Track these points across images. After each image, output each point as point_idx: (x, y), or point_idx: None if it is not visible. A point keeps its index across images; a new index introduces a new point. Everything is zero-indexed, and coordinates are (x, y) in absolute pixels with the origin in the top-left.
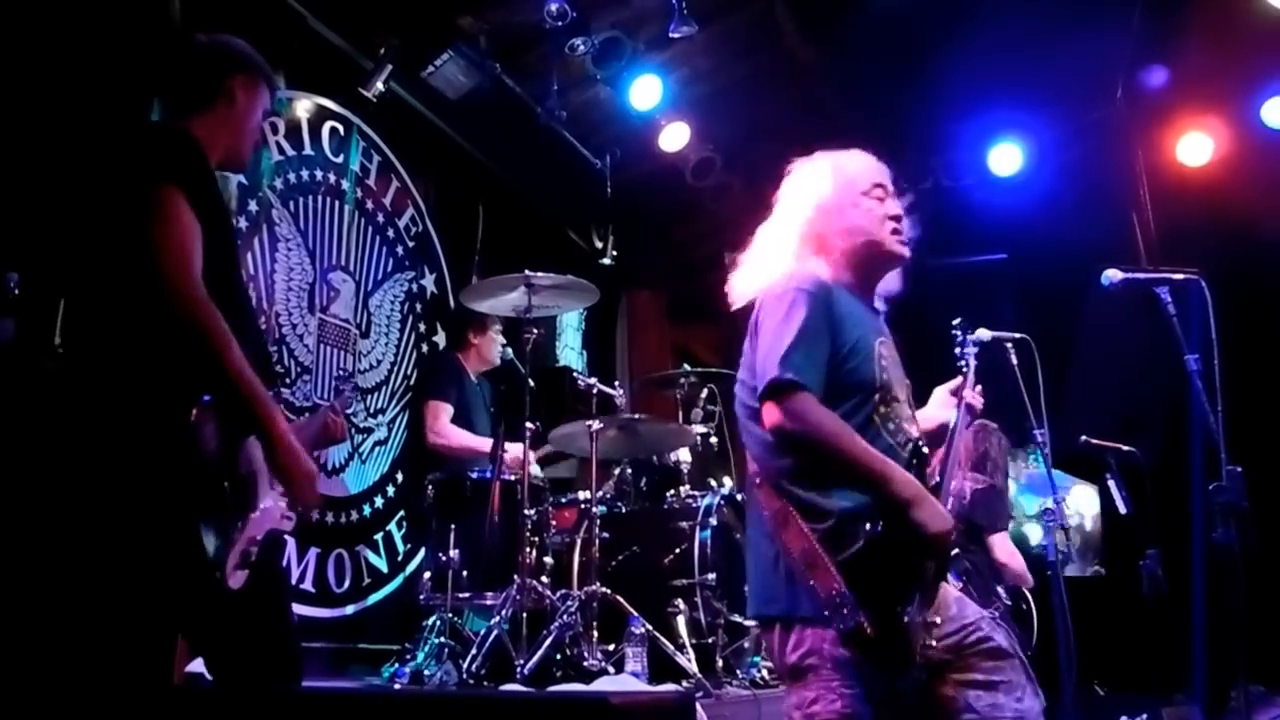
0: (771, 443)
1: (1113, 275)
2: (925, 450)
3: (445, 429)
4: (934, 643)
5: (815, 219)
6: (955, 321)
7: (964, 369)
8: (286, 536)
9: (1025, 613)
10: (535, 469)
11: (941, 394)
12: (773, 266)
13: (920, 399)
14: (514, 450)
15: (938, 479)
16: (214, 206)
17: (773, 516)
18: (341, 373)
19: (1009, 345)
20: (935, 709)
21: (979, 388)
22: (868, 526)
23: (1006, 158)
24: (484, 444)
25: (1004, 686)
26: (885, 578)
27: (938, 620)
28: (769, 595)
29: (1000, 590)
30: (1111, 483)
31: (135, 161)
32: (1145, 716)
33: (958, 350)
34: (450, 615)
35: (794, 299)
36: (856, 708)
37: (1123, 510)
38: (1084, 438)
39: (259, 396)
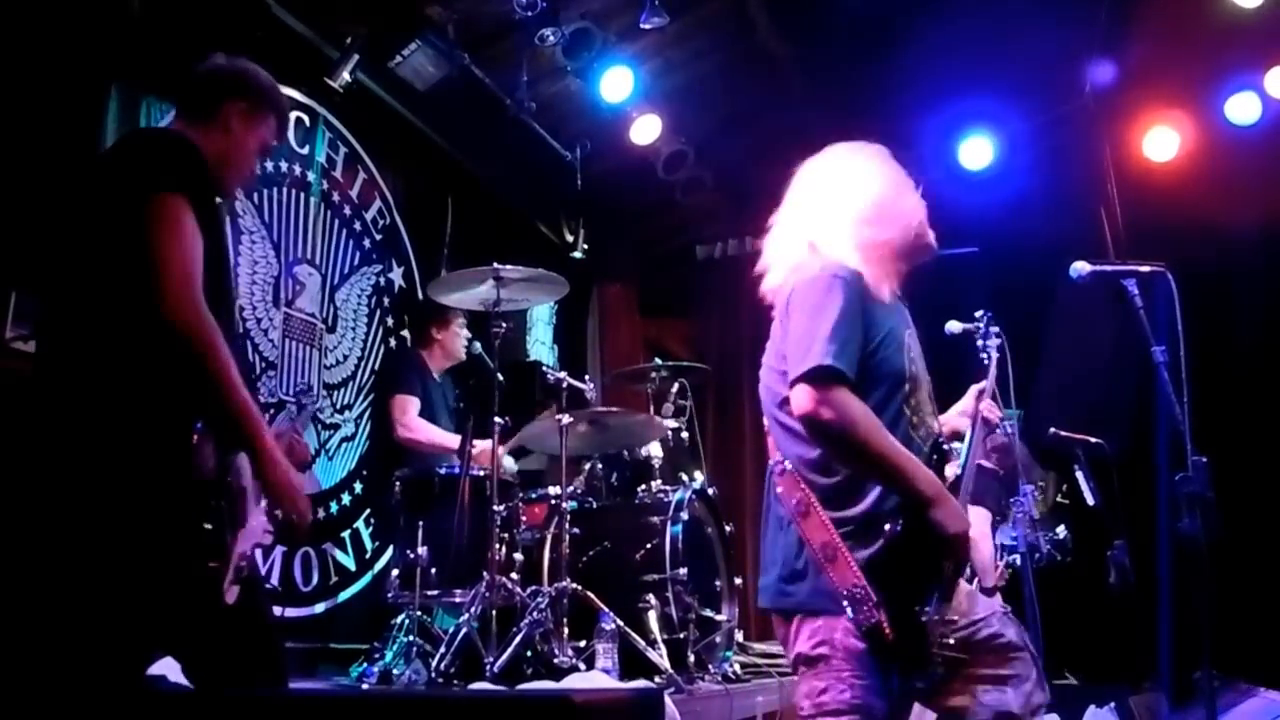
0: (799, 431)
1: (1081, 268)
2: (946, 447)
3: (414, 422)
4: (950, 640)
5: (872, 216)
6: (978, 313)
7: (985, 361)
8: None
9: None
10: (509, 462)
11: (970, 395)
12: (811, 255)
13: None
14: (483, 447)
15: (954, 480)
16: (214, 219)
17: (795, 506)
18: (301, 386)
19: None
20: (945, 705)
21: (990, 403)
22: (887, 526)
23: (977, 152)
24: (453, 440)
25: (1013, 681)
26: (905, 577)
27: (955, 618)
28: (786, 587)
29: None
30: (1080, 474)
31: (141, 166)
32: (1113, 705)
33: (980, 342)
34: (419, 613)
35: (830, 285)
36: (867, 699)
37: (1090, 501)
38: (1053, 429)
39: (252, 415)
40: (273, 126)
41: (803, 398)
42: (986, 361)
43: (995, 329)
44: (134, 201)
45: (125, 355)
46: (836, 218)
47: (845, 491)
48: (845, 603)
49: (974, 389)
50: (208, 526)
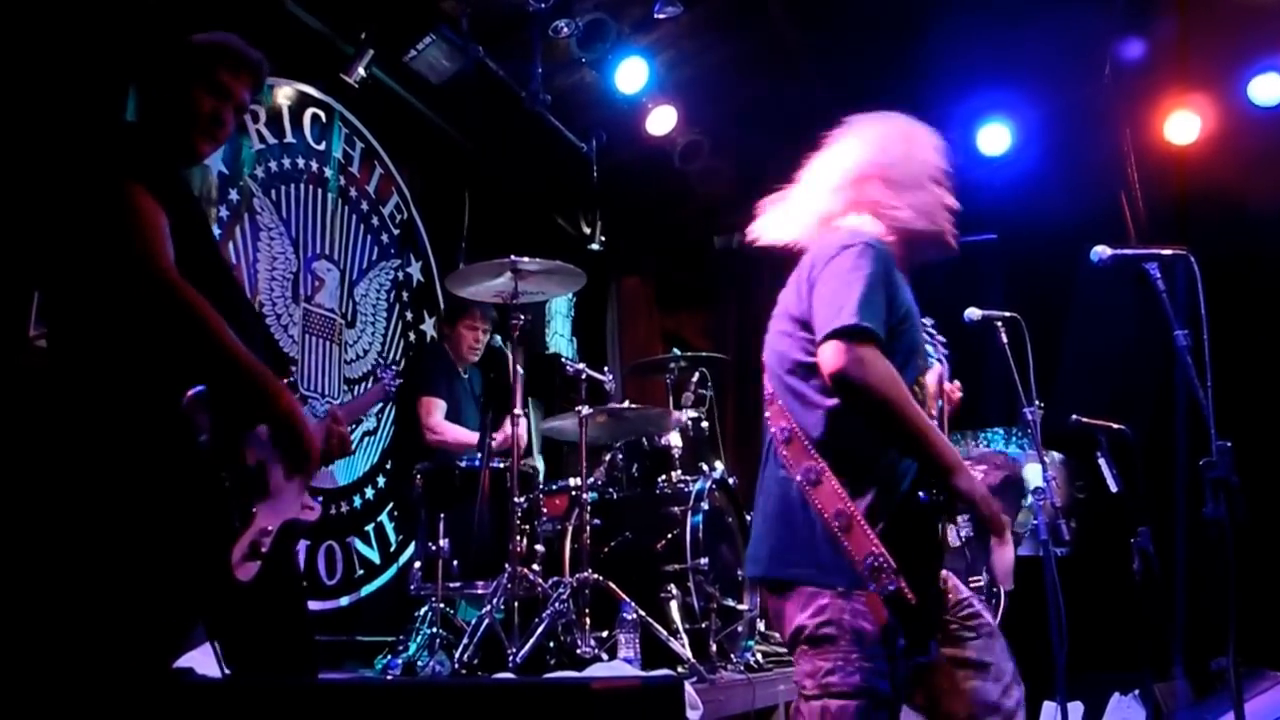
0: (812, 398)
1: (1102, 252)
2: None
3: (441, 425)
4: (955, 612)
5: (881, 187)
6: (927, 322)
7: (940, 360)
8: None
9: (994, 594)
10: (538, 462)
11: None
12: (821, 217)
13: None
14: (506, 432)
15: None
16: (180, 200)
17: (806, 475)
18: (381, 360)
19: (999, 324)
20: (924, 684)
21: (956, 382)
22: (921, 493)
23: (995, 137)
24: (478, 438)
25: (993, 670)
26: (921, 544)
27: (945, 588)
28: (788, 556)
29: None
30: (1102, 461)
31: (97, 162)
32: (1137, 692)
33: (929, 349)
34: (442, 605)
35: (863, 251)
36: (874, 683)
37: (1113, 488)
38: (1075, 416)
39: (257, 371)
40: (242, 80)
41: (834, 353)
42: (940, 361)
43: (941, 338)
44: (97, 195)
45: (112, 339)
46: (847, 185)
47: (859, 460)
48: (865, 573)
49: (932, 373)
50: (208, 499)
